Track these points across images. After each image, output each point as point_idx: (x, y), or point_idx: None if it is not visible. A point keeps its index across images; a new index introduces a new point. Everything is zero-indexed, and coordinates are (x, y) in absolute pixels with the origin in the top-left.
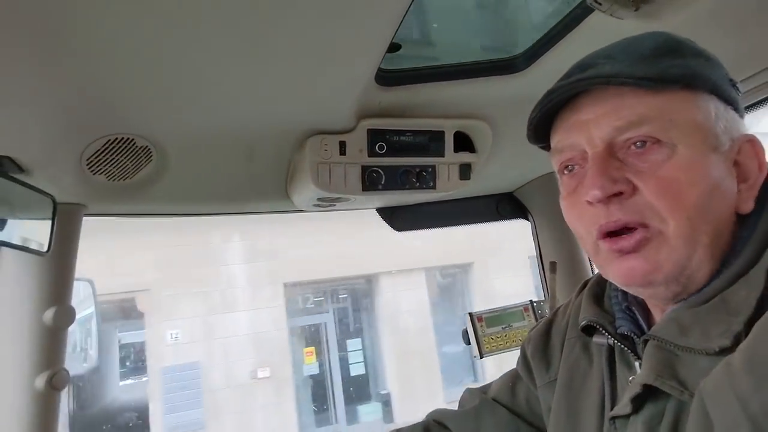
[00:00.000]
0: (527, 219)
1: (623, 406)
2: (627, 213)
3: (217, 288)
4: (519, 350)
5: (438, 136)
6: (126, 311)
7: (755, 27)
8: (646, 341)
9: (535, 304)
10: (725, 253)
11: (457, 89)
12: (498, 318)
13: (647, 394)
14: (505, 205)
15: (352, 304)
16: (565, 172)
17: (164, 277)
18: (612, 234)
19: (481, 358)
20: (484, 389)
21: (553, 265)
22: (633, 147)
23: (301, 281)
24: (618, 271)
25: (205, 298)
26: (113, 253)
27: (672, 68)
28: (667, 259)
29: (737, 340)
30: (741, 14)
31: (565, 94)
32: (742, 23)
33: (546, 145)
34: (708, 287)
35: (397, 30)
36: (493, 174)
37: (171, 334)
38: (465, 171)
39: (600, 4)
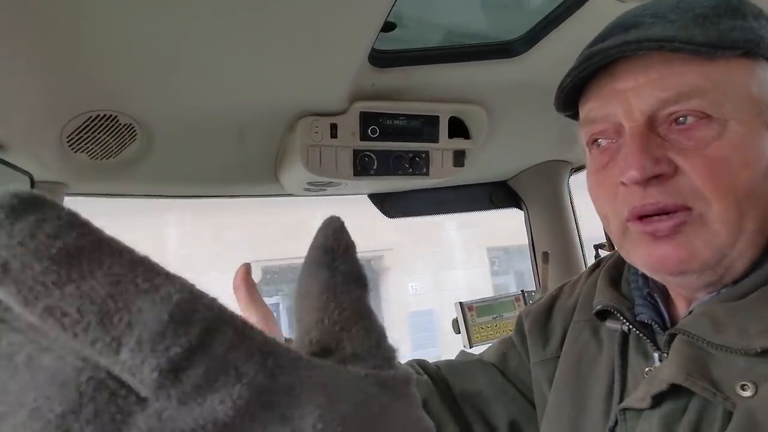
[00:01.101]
0: (520, 208)
1: (640, 399)
2: (667, 195)
3: (440, 249)
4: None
5: (432, 121)
6: (375, 266)
7: None
8: (672, 335)
9: (526, 294)
10: (767, 242)
11: (454, 72)
12: (489, 308)
13: (670, 390)
14: (498, 194)
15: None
16: (595, 146)
17: (402, 239)
18: (645, 216)
19: (470, 347)
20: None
21: (545, 255)
22: (676, 123)
23: (495, 246)
24: (648, 257)
25: (433, 256)
26: (364, 220)
27: (733, 32)
28: (705, 246)
29: None
30: None
31: (607, 59)
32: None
33: (572, 113)
34: (746, 280)
35: (392, 8)
36: (488, 162)
37: (411, 286)
38: (459, 158)
39: None
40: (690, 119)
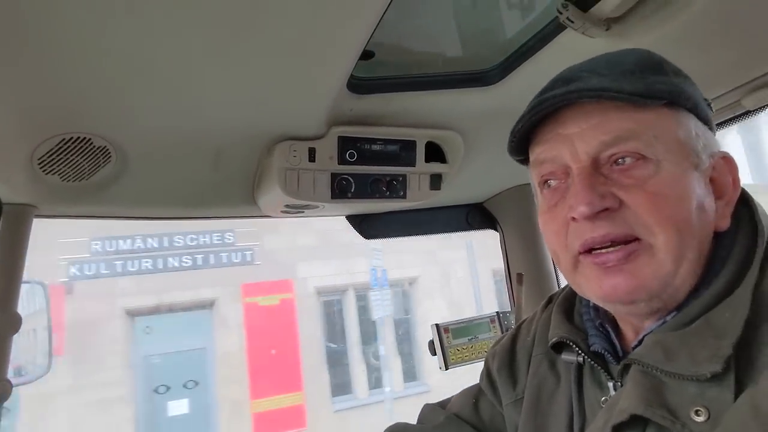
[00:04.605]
0: (496, 230)
1: (599, 429)
2: (615, 227)
3: None
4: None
5: (409, 145)
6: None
7: (719, 50)
8: (627, 365)
9: (501, 315)
10: (704, 271)
11: (430, 99)
12: (464, 329)
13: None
14: (474, 216)
15: None
16: (546, 186)
17: None
18: (594, 249)
19: (446, 369)
20: (443, 404)
21: (519, 276)
22: (616, 164)
23: None
24: (600, 288)
25: None
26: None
27: (657, 84)
28: (653, 275)
29: (727, 364)
30: (706, 37)
31: (554, 106)
32: (706, 46)
33: (523, 159)
34: (689, 307)
35: (370, 37)
36: (464, 184)
37: None
38: (435, 181)
39: (572, 22)
40: (628, 160)
